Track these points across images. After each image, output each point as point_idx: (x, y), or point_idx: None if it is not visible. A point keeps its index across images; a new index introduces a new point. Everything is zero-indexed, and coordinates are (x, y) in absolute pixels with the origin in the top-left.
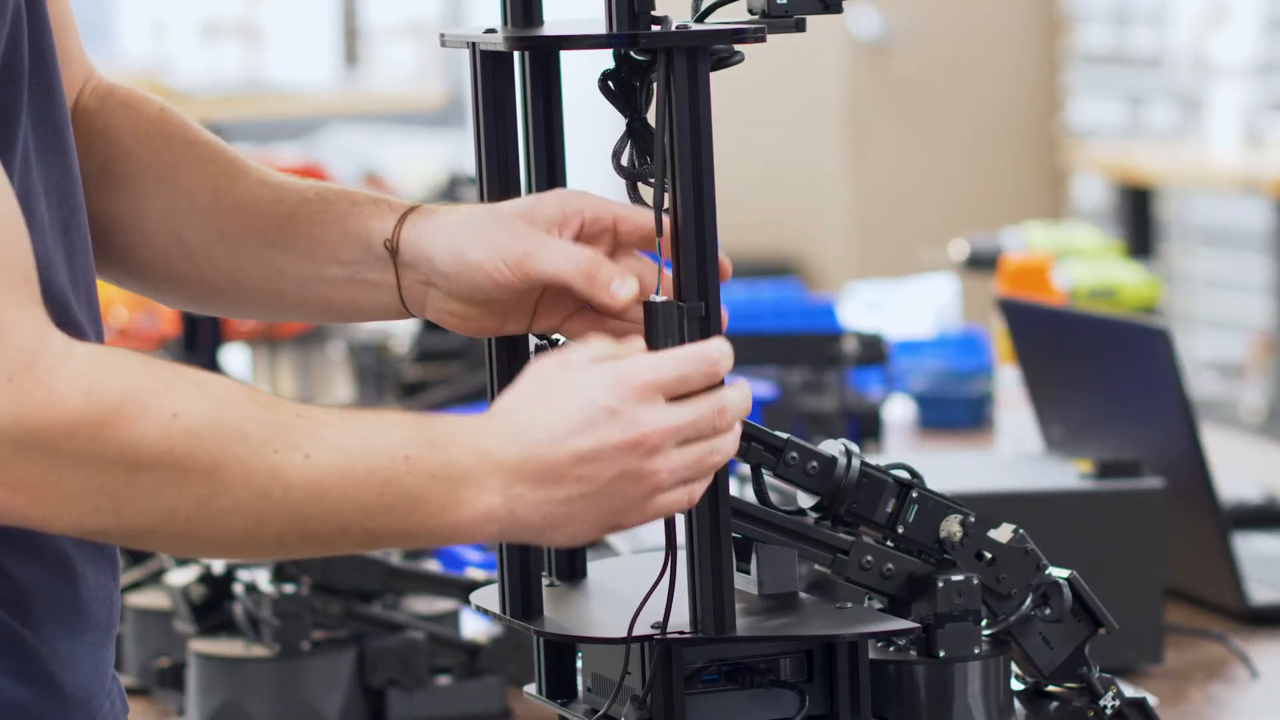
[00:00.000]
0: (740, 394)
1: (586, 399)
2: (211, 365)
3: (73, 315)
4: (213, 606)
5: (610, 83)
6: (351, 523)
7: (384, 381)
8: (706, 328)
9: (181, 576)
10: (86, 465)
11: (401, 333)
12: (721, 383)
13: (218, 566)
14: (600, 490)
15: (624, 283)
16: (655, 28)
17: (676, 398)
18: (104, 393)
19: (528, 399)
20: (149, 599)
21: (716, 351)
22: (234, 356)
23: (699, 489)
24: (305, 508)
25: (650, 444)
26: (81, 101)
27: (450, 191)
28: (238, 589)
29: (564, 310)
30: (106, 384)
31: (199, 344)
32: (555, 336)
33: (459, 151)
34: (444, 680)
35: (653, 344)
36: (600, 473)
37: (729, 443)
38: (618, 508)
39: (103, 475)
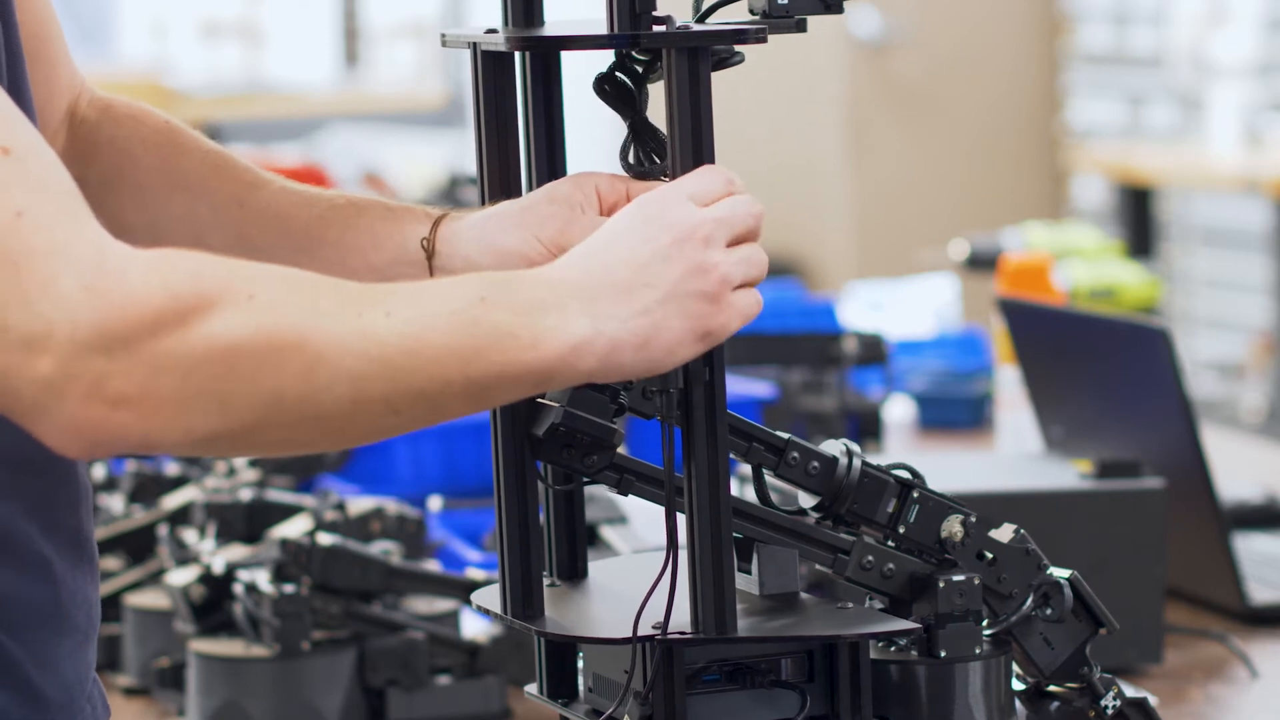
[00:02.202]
0: (756, 202)
1: (624, 223)
2: None
3: None
4: (213, 606)
5: (606, 85)
6: (451, 370)
7: None
8: None
9: (181, 576)
10: (183, 362)
11: None
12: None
13: (218, 566)
14: (673, 291)
15: None
16: (657, 28)
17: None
18: (179, 285)
19: (576, 249)
20: (149, 599)
21: (718, 168)
22: None
23: (757, 298)
24: (402, 362)
25: (701, 233)
26: (79, 113)
27: (450, 191)
28: (238, 589)
29: None
30: (179, 278)
31: None
32: None
33: (459, 151)
34: (444, 680)
35: None
36: (666, 272)
37: (761, 254)
38: (695, 309)
39: (200, 371)
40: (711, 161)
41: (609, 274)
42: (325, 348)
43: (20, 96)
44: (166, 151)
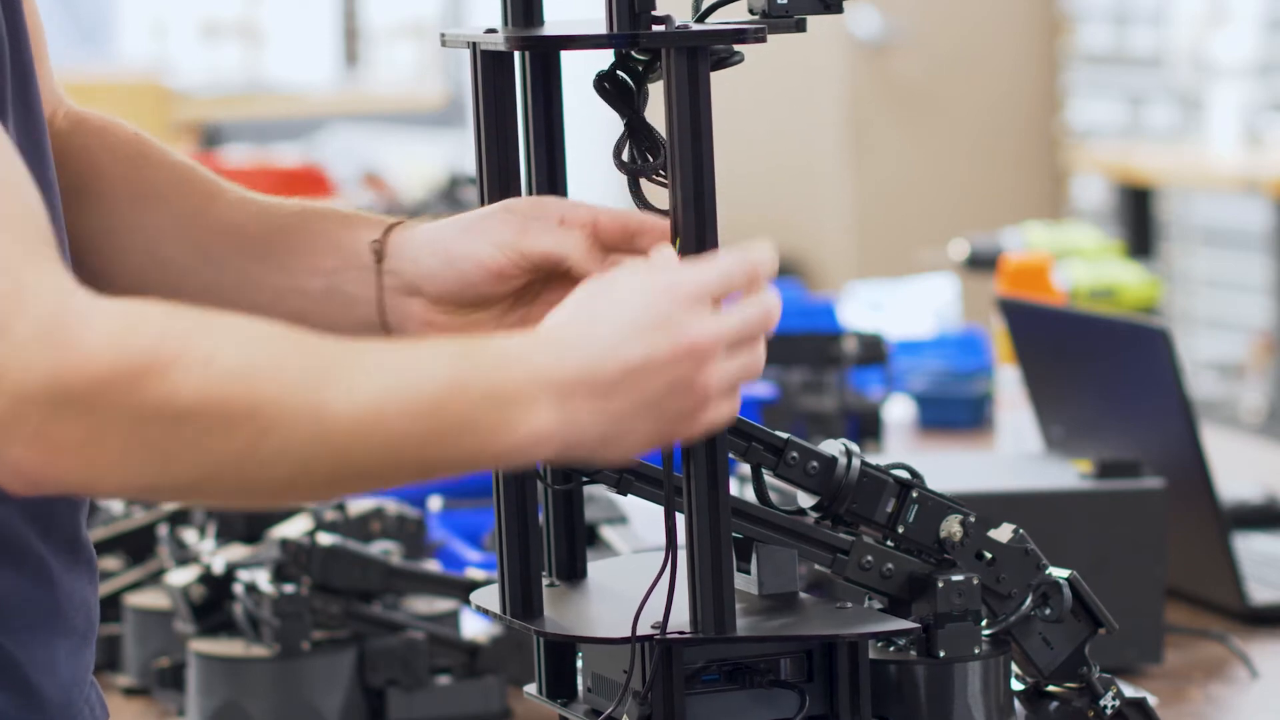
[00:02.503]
0: (775, 294)
1: (633, 311)
2: None
3: None
4: (213, 606)
5: (606, 84)
6: (404, 455)
7: None
8: None
9: (181, 576)
10: (127, 420)
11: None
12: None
13: (218, 566)
14: (652, 402)
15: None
16: (657, 28)
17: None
18: (136, 342)
19: (575, 316)
20: (149, 599)
21: (758, 253)
22: None
23: (737, 403)
24: (355, 447)
25: (700, 352)
26: (55, 125)
27: (450, 191)
28: (238, 589)
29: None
30: (137, 334)
31: None
32: None
33: (459, 151)
34: (444, 680)
35: None
36: (652, 383)
37: (762, 353)
38: (670, 419)
39: (145, 429)
40: (710, 160)
41: (593, 369)
42: (276, 423)
43: (31, 111)
44: (133, 162)
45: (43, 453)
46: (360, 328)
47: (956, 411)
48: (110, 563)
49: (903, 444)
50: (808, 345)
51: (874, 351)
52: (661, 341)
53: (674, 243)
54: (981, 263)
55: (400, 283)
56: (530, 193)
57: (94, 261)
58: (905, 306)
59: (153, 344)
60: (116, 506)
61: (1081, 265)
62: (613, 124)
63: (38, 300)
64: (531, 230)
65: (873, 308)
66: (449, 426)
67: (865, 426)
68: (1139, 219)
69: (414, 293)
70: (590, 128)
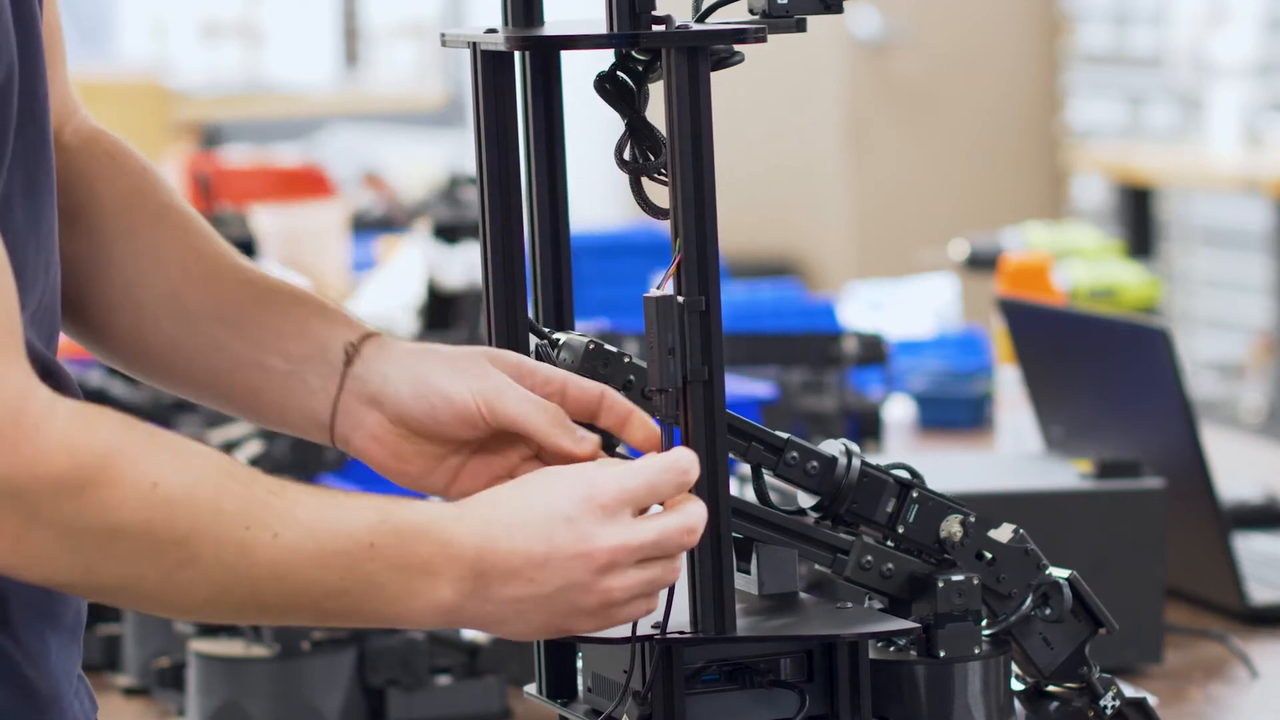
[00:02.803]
0: (702, 509)
1: (550, 502)
2: None
3: (38, 357)
4: None
5: (607, 84)
6: (307, 600)
7: None
8: (707, 322)
9: None
10: (64, 525)
11: (401, 333)
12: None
13: None
14: (548, 596)
15: (586, 435)
16: (657, 28)
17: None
18: (88, 454)
19: (508, 491)
20: None
21: (686, 460)
22: None
23: (652, 604)
24: (267, 584)
25: (601, 561)
26: (63, 139)
27: (450, 192)
28: None
29: (490, 473)
30: (91, 445)
31: None
32: (556, 336)
33: (459, 151)
34: (444, 680)
35: (650, 338)
36: (549, 579)
37: (677, 566)
38: (565, 614)
39: (78, 537)
40: (711, 159)
41: (498, 549)
42: (201, 553)
43: (43, 134)
44: (131, 199)
45: None
46: (308, 421)
47: (956, 411)
48: None
49: (903, 444)
50: (808, 345)
51: (874, 351)
52: (566, 540)
53: (674, 243)
54: (981, 263)
55: (363, 391)
56: (530, 193)
57: (71, 285)
58: (905, 306)
59: (103, 457)
60: None
61: (1081, 265)
62: (612, 123)
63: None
64: (508, 394)
65: (873, 308)
66: (356, 586)
67: (865, 426)
68: (1139, 219)
69: (373, 406)
70: (590, 127)
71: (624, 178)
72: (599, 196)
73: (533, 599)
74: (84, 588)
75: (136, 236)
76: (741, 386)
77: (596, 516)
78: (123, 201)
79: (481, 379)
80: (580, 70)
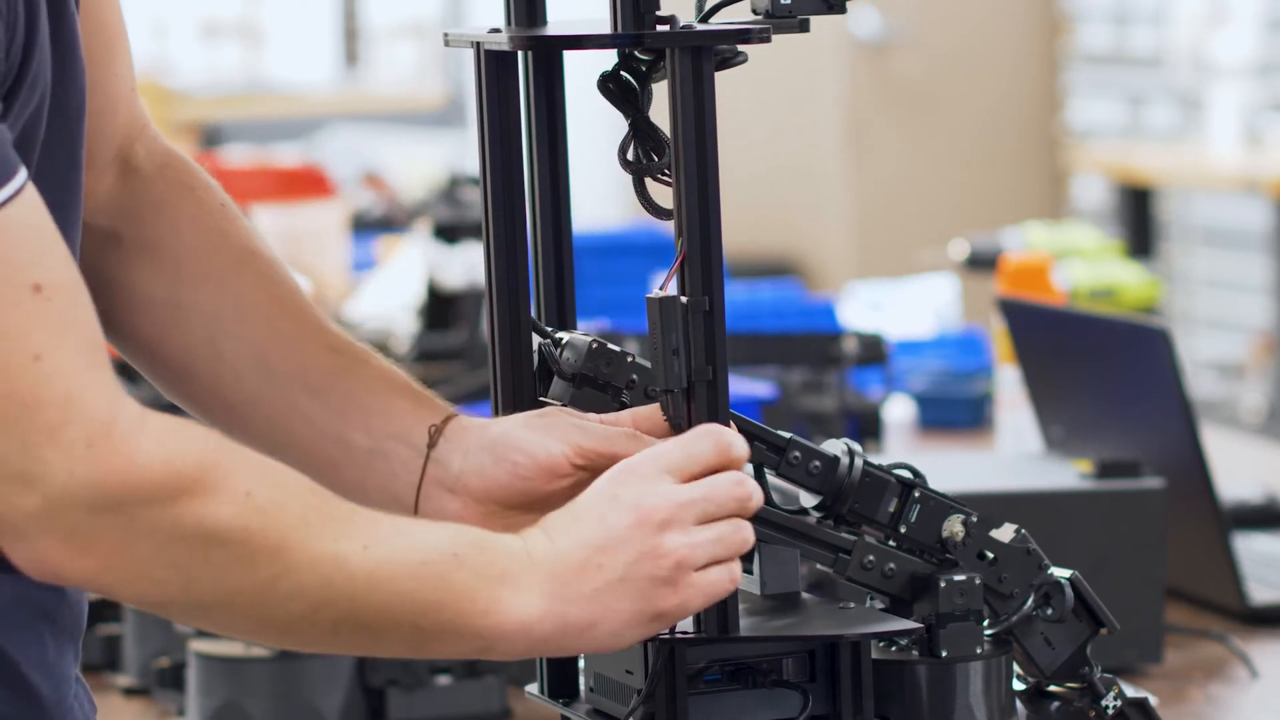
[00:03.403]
0: (754, 487)
1: (593, 492)
2: None
3: None
4: None
5: (610, 84)
6: (404, 617)
7: None
8: (711, 322)
9: None
10: (162, 535)
11: (401, 333)
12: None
13: None
14: (623, 576)
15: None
16: (661, 28)
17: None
18: (183, 463)
19: (553, 517)
20: None
21: (718, 428)
22: None
23: (737, 568)
24: (363, 597)
25: (657, 518)
26: (134, 159)
27: (450, 192)
28: None
29: None
30: (185, 454)
31: None
32: (559, 336)
33: (459, 151)
34: (444, 680)
35: (654, 339)
36: (616, 558)
37: (743, 529)
38: (647, 592)
39: (176, 546)
40: (715, 159)
41: (568, 554)
42: (296, 563)
43: (73, 159)
44: (214, 240)
45: (72, 550)
46: (389, 500)
47: (956, 411)
48: None
49: (903, 444)
50: (808, 345)
51: (874, 351)
52: (618, 516)
53: (678, 243)
54: (981, 263)
55: (444, 476)
56: (532, 193)
57: (148, 324)
58: (905, 306)
59: (198, 466)
60: None
61: (1081, 265)
62: (614, 122)
63: (89, 409)
64: (589, 429)
65: (873, 308)
66: (448, 597)
67: (865, 426)
68: (1139, 219)
69: (456, 491)
70: (590, 127)
71: (624, 177)
72: (599, 196)
73: (610, 586)
74: (183, 605)
75: (219, 283)
76: (742, 386)
77: (639, 484)
78: (204, 242)
79: (557, 428)
80: (581, 70)
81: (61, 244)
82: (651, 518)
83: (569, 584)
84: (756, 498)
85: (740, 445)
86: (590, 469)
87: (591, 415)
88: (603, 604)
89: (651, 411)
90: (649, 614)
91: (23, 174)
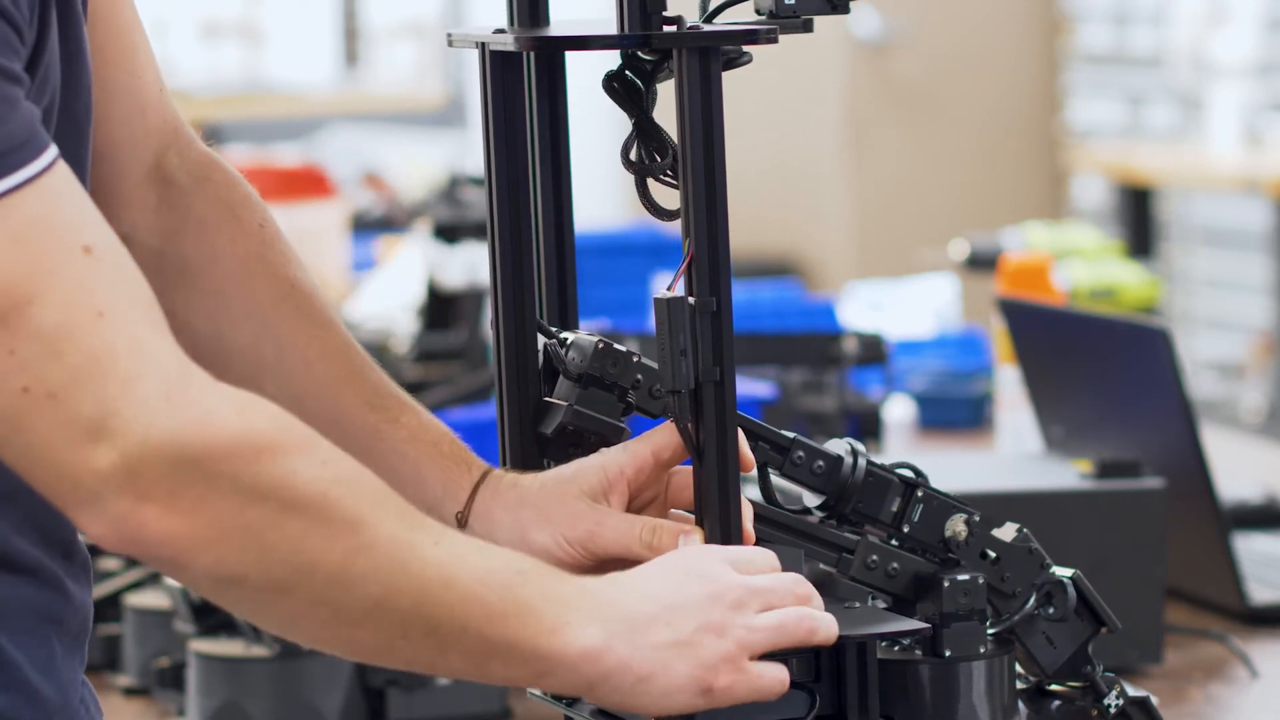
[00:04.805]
0: (827, 620)
1: (663, 567)
2: None
3: None
4: (213, 607)
5: (615, 84)
6: (472, 621)
7: None
8: (718, 323)
9: None
10: (241, 494)
11: (401, 333)
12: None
13: None
14: (688, 640)
15: (688, 538)
16: (668, 28)
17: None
18: (260, 423)
19: (640, 567)
20: (149, 599)
21: (807, 588)
22: None
23: (785, 675)
24: (435, 592)
25: (731, 596)
26: (170, 169)
27: (450, 192)
28: None
29: None
30: (261, 416)
31: None
32: (564, 336)
33: (459, 151)
34: (444, 680)
35: (661, 340)
36: (686, 621)
37: (824, 621)
38: (707, 662)
39: (254, 509)
40: (722, 160)
41: (636, 604)
42: (375, 541)
43: (79, 163)
44: (251, 264)
45: (152, 509)
46: None
47: (956, 411)
48: (110, 563)
49: (903, 444)
50: (808, 345)
51: (874, 351)
52: (695, 586)
53: (685, 244)
54: (981, 263)
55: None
56: (535, 193)
57: (188, 352)
58: (905, 306)
59: (275, 428)
60: None
61: (1081, 265)
62: (616, 122)
63: (161, 361)
64: (604, 529)
65: (873, 308)
66: (514, 604)
67: (865, 426)
68: (1139, 219)
69: None
70: (591, 127)
71: (624, 177)
72: (600, 196)
73: (675, 644)
74: (256, 580)
75: (261, 321)
76: (742, 386)
77: (711, 564)
78: (244, 270)
79: (577, 521)
80: (582, 70)
81: (97, 210)
82: (725, 595)
83: (636, 630)
84: (816, 600)
85: (817, 602)
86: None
87: (610, 463)
88: (664, 660)
89: (669, 438)
90: (703, 684)
91: (54, 147)
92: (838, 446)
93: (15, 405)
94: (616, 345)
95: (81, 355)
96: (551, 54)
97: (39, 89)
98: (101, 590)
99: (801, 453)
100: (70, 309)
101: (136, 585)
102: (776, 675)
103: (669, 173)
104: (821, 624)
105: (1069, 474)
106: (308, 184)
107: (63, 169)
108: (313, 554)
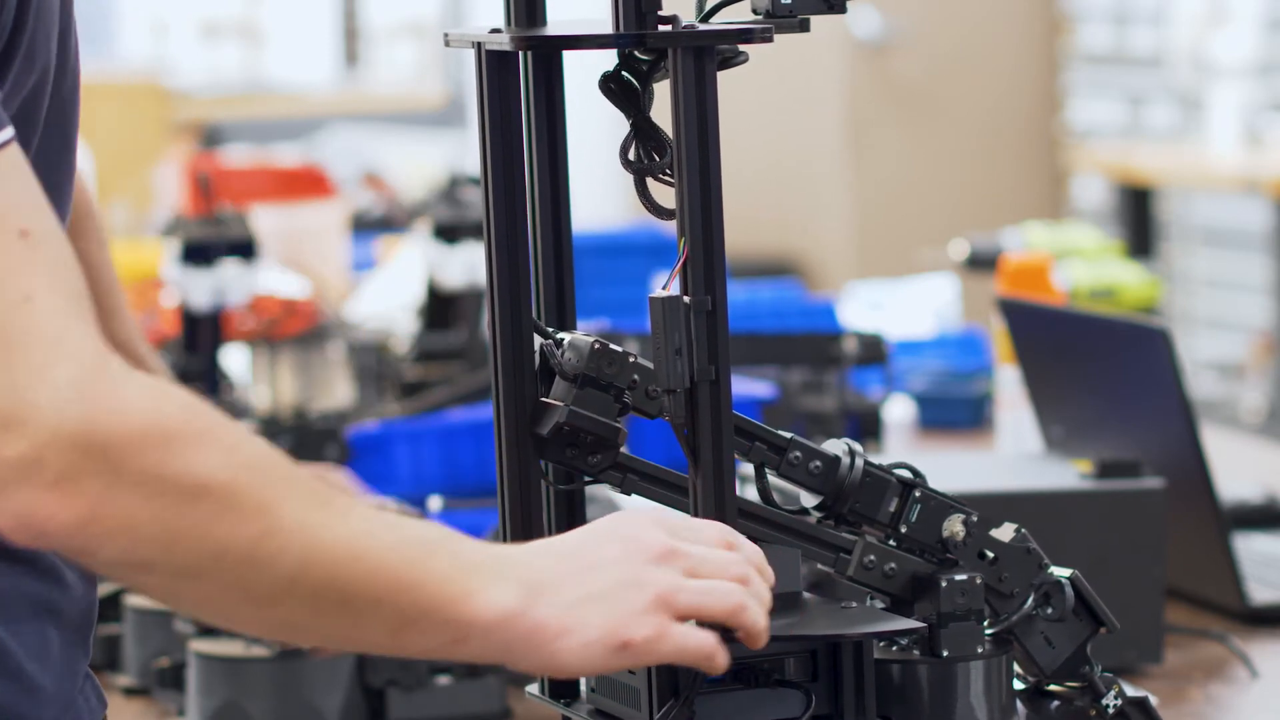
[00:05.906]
0: (762, 568)
1: (588, 529)
2: (212, 365)
3: None
4: None
5: (612, 84)
6: (384, 590)
7: (384, 381)
8: (714, 322)
9: None
10: (148, 485)
11: (401, 333)
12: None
13: None
14: (602, 593)
15: None
16: (663, 27)
17: None
18: (170, 412)
19: (536, 542)
20: (149, 599)
21: (734, 534)
22: (234, 357)
23: (720, 648)
24: (345, 565)
25: (653, 552)
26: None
27: (450, 192)
28: None
29: None
30: (171, 404)
31: (199, 344)
32: (561, 336)
33: (459, 151)
34: (444, 680)
35: (657, 339)
36: (601, 576)
37: (754, 603)
38: (622, 616)
39: (161, 499)
40: (718, 159)
41: (553, 563)
42: (285, 521)
43: (67, 141)
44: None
45: (57, 498)
46: None
47: (956, 411)
48: None
49: (903, 444)
50: (808, 345)
51: (874, 351)
52: (614, 544)
53: (680, 243)
54: (981, 263)
55: None
56: (532, 193)
57: None
58: (905, 306)
59: (185, 416)
60: None
61: (1081, 265)
62: (613, 122)
63: (79, 351)
64: None
65: (873, 308)
66: (427, 574)
67: (865, 426)
68: (1139, 219)
69: None
70: (589, 127)
71: (623, 177)
72: (599, 196)
73: (588, 599)
74: (165, 569)
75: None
76: (742, 386)
77: (636, 525)
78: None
79: None
80: (580, 69)
81: (45, 197)
82: (642, 551)
83: (547, 588)
84: (759, 586)
85: (748, 546)
86: None
87: None
88: (577, 615)
89: None
90: (619, 638)
91: (10, 129)
92: (835, 446)
93: None
94: (613, 346)
95: (1, 339)
96: (548, 54)
97: (23, 68)
98: (102, 590)
99: (798, 453)
100: None
101: None
102: (704, 638)
103: (668, 172)
104: (751, 605)
105: (1069, 474)
106: (308, 184)
107: (13, 152)
108: (222, 539)
